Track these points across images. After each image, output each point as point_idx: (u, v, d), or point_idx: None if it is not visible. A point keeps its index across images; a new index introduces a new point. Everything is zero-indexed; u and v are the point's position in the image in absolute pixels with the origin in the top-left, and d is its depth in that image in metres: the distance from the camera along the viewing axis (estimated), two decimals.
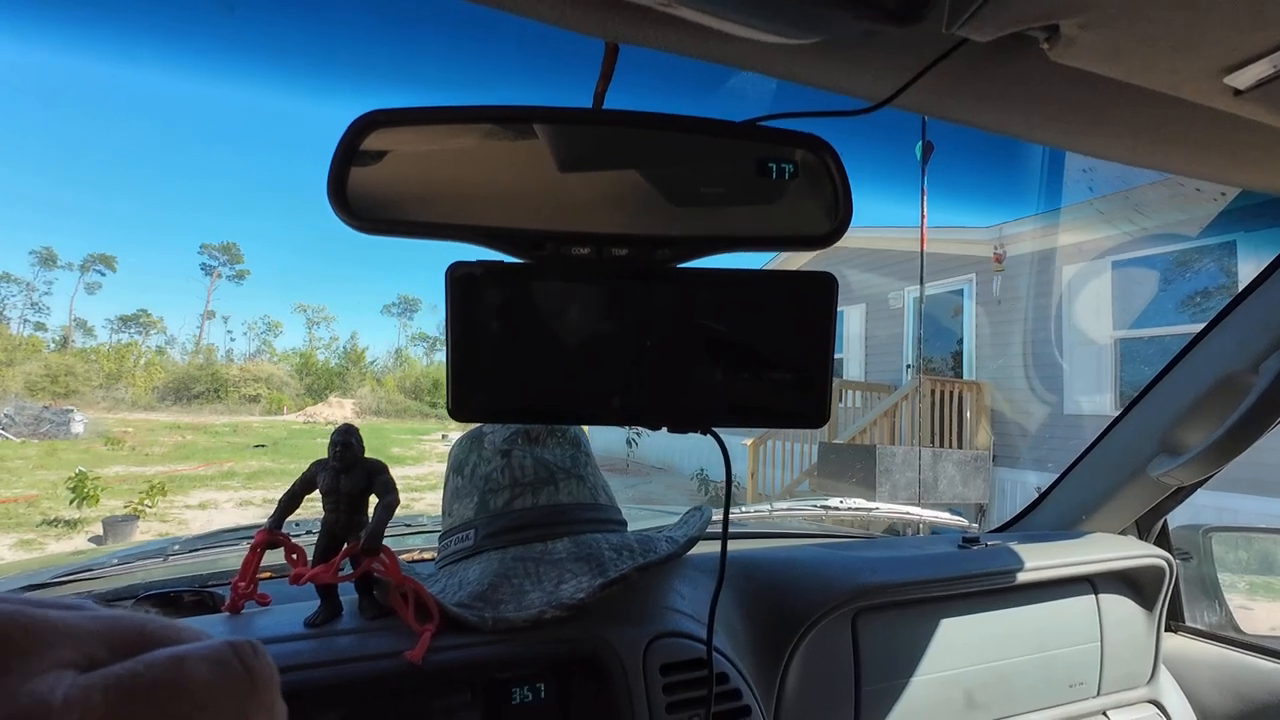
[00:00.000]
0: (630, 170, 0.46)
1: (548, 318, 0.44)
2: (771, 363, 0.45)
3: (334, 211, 0.45)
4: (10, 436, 14.04)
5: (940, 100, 0.60)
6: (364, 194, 0.45)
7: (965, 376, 7.27)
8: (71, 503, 7.12)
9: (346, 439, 0.59)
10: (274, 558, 0.68)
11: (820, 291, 0.44)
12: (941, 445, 6.58)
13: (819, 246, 0.47)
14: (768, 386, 0.45)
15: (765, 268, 0.53)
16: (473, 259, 0.45)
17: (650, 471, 11.01)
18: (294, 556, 0.62)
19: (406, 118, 0.45)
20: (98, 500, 7.24)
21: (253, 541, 0.61)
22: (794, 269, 0.48)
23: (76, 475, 7.26)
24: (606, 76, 0.53)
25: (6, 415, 14.96)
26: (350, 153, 0.44)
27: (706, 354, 0.44)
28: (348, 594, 0.64)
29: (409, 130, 0.45)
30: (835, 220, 0.47)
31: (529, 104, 0.46)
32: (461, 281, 0.44)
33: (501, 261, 0.45)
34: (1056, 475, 1.22)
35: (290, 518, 0.65)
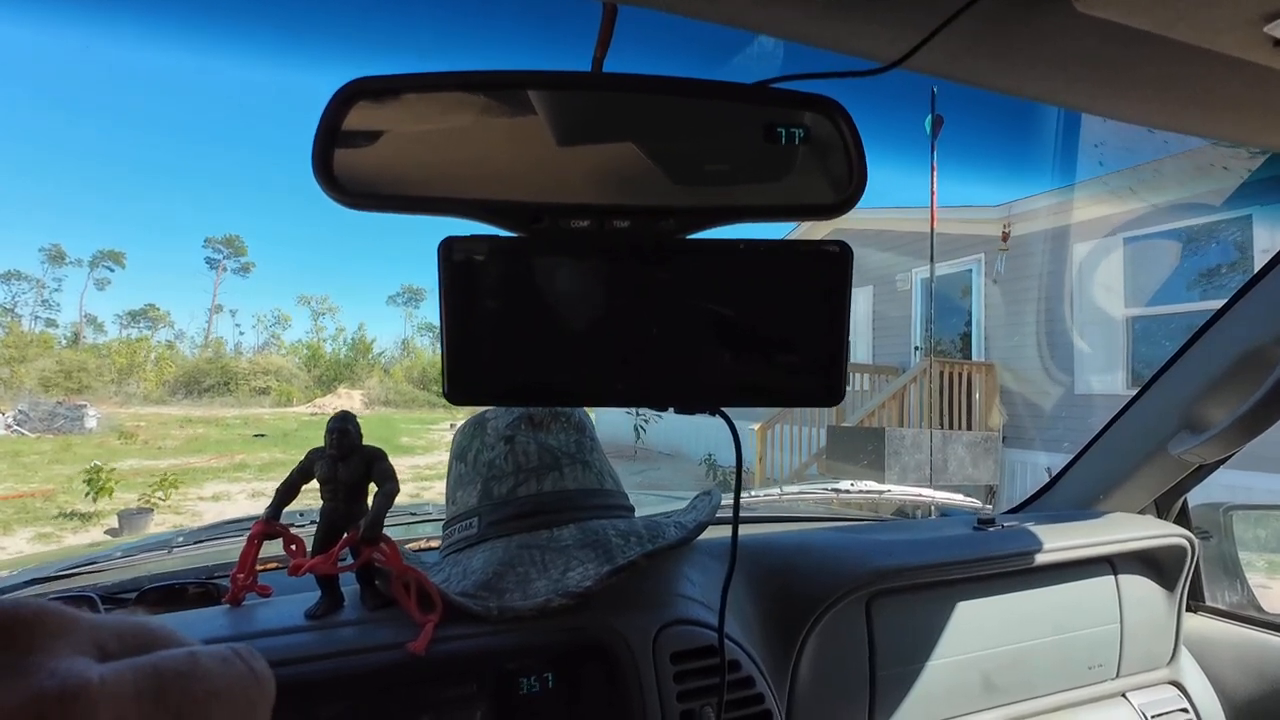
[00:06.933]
0: (632, 138, 0.44)
1: (547, 294, 0.42)
2: (783, 337, 0.42)
3: (320, 187, 0.43)
4: (26, 432, 14.20)
5: (956, 61, 0.57)
6: (351, 168, 0.43)
7: (974, 358, 7.21)
8: (87, 496, 7.20)
9: (343, 426, 0.58)
10: (278, 549, 0.66)
11: (834, 261, 0.42)
12: (951, 427, 6.54)
13: (832, 215, 0.45)
14: (780, 362, 0.42)
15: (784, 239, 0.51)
16: (467, 234, 0.43)
17: (658, 458, 11.02)
18: (293, 547, 0.60)
19: (394, 85, 0.42)
20: (112, 493, 7.32)
21: (249, 533, 0.59)
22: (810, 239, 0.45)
23: (91, 468, 7.33)
24: (604, 42, 0.51)
25: (21, 411, 15.12)
26: (335, 124, 0.42)
27: (714, 329, 0.42)
28: (350, 585, 0.63)
29: (397, 99, 0.43)
30: (849, 188, 0.45)
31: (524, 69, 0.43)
32: (456, 257, 0.41)
33: (498, 236, 0.43)
34: (1067, 456, 1.19)
35: (293, 508, 0.63)
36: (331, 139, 0.42)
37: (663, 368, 0.42)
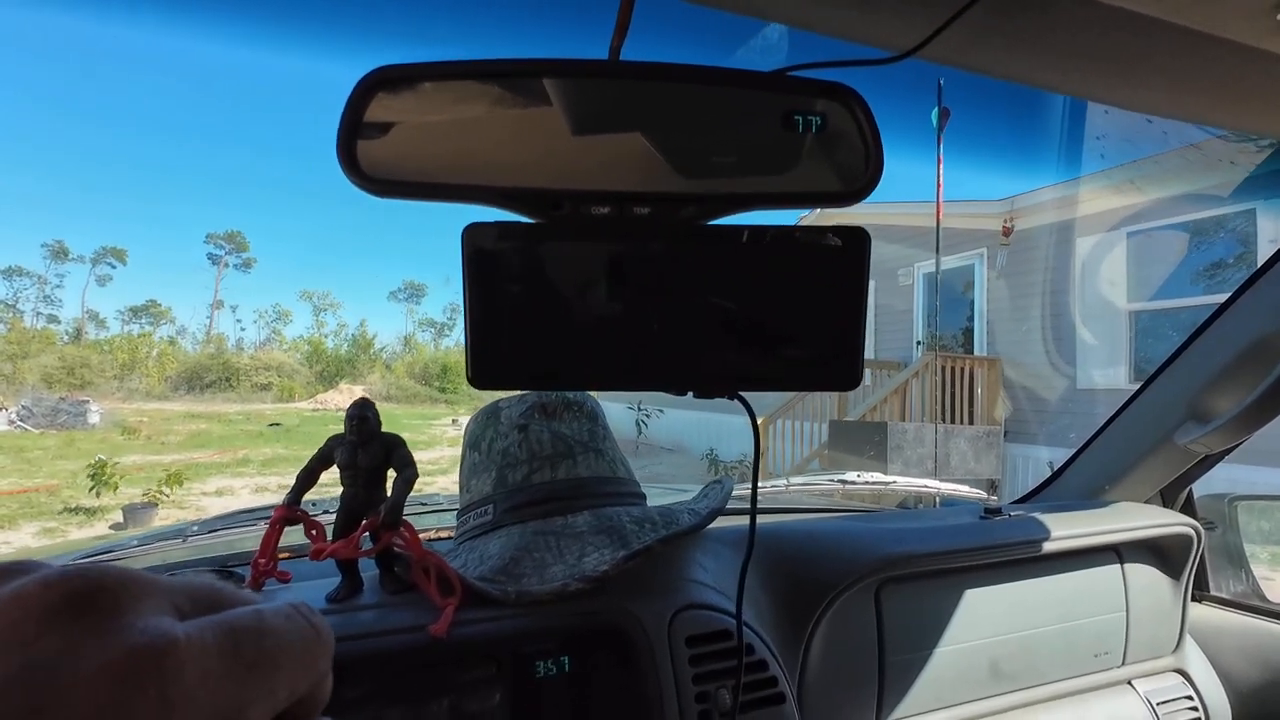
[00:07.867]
0: (651, 125, 0.44)
1: (568, 280, 0.43)
2: (802, 322, 0.43)
3: (344, 174, 0.43)
4: (29, 428, 14.24)
5: (969, 50, 0.57)
6: (374, 156, 0.43)
7: (976, 352, 7.21)
8: (91, 490, 7.22)
9: (363, 412, 0.58)
10: (296, 538, 0.67)
11: (852, 246, 0.42)
12: (953, 422, 6.54)
13: (849, 202, 0.45)
14: (799, 347, 0.43)
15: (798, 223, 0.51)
16: (488, 220, 0.44)
17: (660, 453, 11.04)
18: (314, 533, 0.61)
19: (416, 74, 0.43)
20: (116, 488, 7.34)
21: (271, 518, 0.60)
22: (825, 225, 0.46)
23: (96, 463, 7.35)
24: (622, 30, 0.51)
25: (24, 407, 15.14)
26: (359, 112, 0.43)
27: (733, 314, 0.42)
28: (369, 570, 0.64)
29: (419, 87, 0.43)
30: (865, 175, 0.45)
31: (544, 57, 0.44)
32: (477, 243, 0.42)
33: (520, 222, 0.43)
34: (1069, 450, 1.20)
35: (308, 497, 0.64)
36: (355, 128, 0.43)
37: (682, 352, 0.43)
